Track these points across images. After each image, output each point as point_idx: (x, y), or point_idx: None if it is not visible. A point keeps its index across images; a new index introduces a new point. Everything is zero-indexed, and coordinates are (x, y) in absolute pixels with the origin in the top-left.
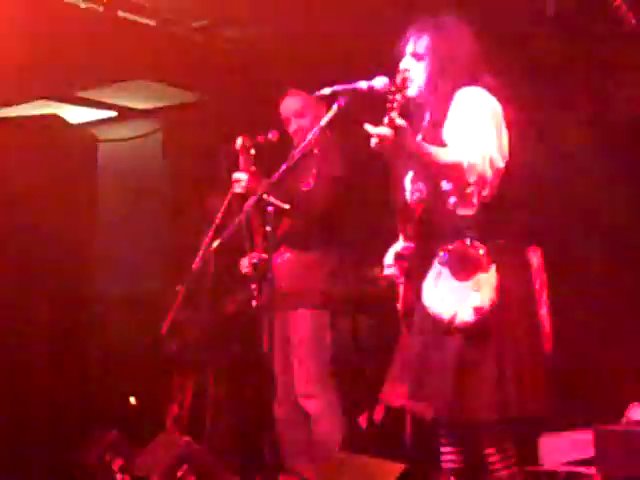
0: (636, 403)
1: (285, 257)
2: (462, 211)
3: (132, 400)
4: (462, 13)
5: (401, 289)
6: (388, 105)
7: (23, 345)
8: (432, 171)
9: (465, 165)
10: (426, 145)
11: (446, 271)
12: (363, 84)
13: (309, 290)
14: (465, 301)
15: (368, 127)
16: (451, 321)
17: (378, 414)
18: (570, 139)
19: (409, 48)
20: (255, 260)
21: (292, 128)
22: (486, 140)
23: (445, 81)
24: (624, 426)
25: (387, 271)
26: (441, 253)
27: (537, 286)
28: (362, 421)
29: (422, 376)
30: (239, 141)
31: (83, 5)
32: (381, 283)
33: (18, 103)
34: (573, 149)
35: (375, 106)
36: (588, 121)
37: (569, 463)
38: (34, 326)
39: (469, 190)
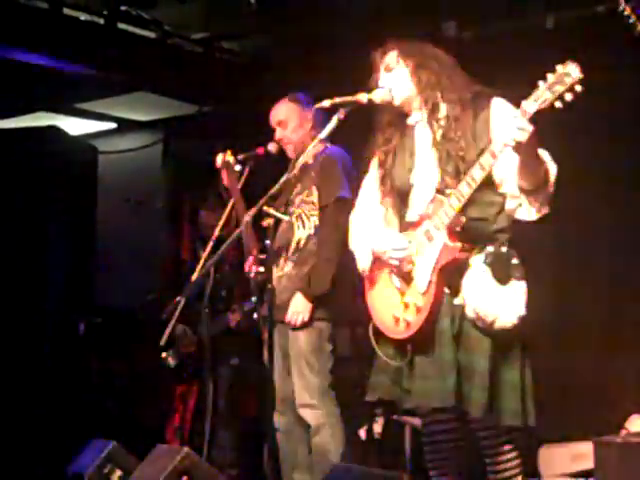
0: (636, 414)
1: (285, 269)
2: (522, 215)
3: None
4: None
5: (430, 284)
6: (527, 110)
7: (24, 356)
8: (533, 166)
9: (551, 170)
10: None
11: (489, 272)
12: (363, 96)
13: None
14: (507, 306)
15: (510, 121)
16: (492, 323)
17: (378, 426)
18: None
19: (381, 66)
20: (253, 273)
21: (276, 137)
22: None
23: (427, 72)
24: (624, 438)
25: (400, 254)
26: (486, 254)
27: None
28: (363, 433)
29: (459, 381)
30: (220, 158)
31: (83, 17)
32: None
33: (18, 115)
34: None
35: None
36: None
37: (568, 475)
38: (35, 334)
39: (548, 192)
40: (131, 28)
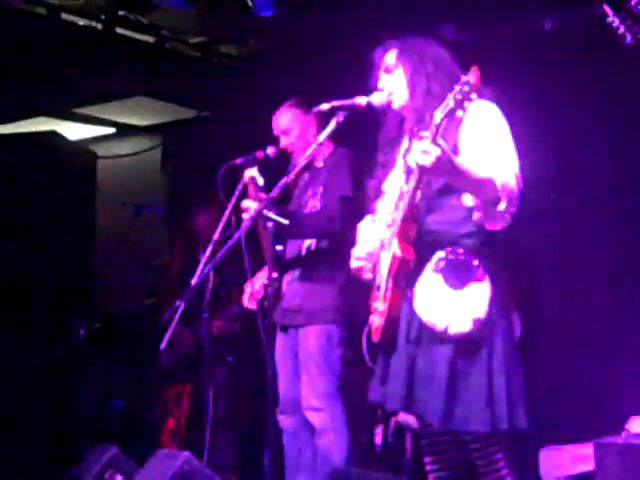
0: (636, 416)
1: (295, 274)
2: (491, 227)
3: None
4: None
5: (387, 295)
6: (432, 125)
7: (24, 361)
8: (463, 187)
9: (497, 182)
10: (461, 161)
11: (440, 279)
12: (362, 99)
13: (320, 306)
14: (460, 310)
15: (416, 143)
16: (445, 330)
17: (379, 433)
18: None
19: (381, 66)
20: (267, 281)
21: (282, 145)
22: (512, 158)
23: (423, 80)
24: (625, 439)
25: (356, 263)
26: (436, 260)
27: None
28: (377, 437)
29: (411, 386)
30: (247, 174)
31: (81, 22)
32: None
33: (17, 119)
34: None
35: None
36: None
37: (570, 477)
38: (34, 339)
39: (501, 207)
40: (129, 33)
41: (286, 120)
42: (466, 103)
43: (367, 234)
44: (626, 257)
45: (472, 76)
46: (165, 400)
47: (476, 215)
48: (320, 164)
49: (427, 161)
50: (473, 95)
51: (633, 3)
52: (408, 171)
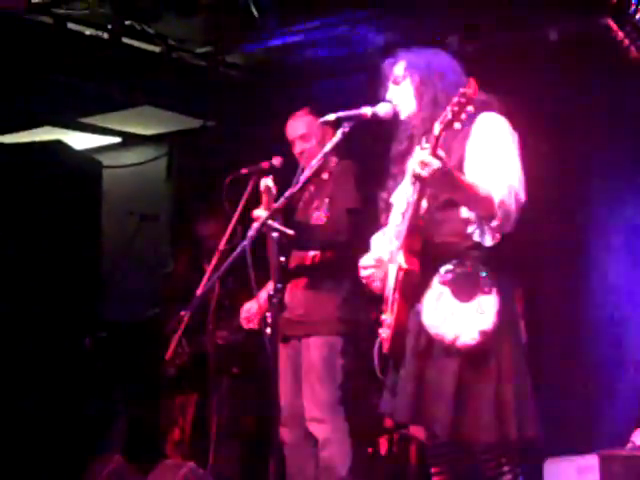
0: None
1: (298, 285)
2: (482, 241)
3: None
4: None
5: (395, 308)
6: (432, 137)
7: (30, 371)
8: (461, 200)
9: (496, 200)
10: (462, 175)
11: (447, 291)
12: (367, 110)
13: (323, 317)
14: (468, 323)
15: (418, 153)
16: (453, 342)
17: (383, 443)
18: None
19: (389, 77)
20: (272, 292)
21: (297, 150)
22: (513, 173)
23: (430, 91)
24: (629, 451)
25: (365, 272)
26: (442, 273)
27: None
28: (382, 447)
29: (419, 398)
30: (263, 183)
31: (88, 32)
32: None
33: (23, 129)
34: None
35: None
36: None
37: None
38: (40, 349)
39: (493, 224)
40: (135, 42)
41: (305, 125)
42: (463, 115)
43: (378, 246)
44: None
45: (469, 88)
46: (170, 410)
47: (470, 228)
48: (325, 176)
49: (425, 172)
50: (470, 107)
51: (638, 17)
52: (413, 183)
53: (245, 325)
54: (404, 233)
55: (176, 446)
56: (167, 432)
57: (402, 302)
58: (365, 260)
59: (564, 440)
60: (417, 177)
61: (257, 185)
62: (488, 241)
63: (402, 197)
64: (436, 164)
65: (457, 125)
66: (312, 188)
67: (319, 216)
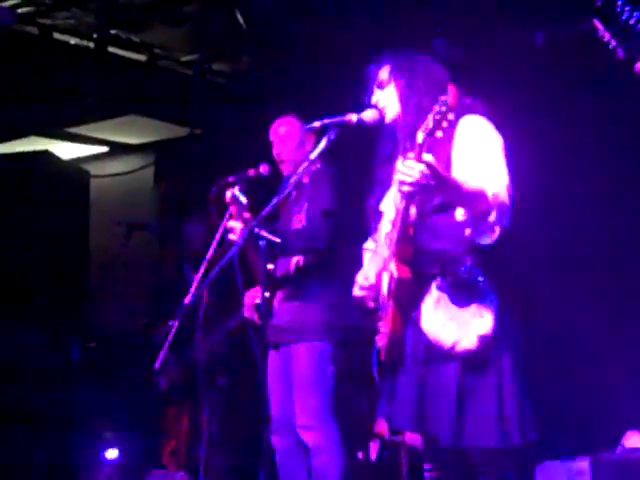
0: (633, 431)
1: (285, 291)
2: (480, 241)
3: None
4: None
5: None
6: (417, 142)
7: (18, 381)
8: (455, 200)
9: (489, 193)
10: (451, 175)
11: (445, 297)
12: (353, 117)
13: (311, 323)
14: (466, 328)
15: (400, 165)
16: (452, 348)
17: (374, 449)
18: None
19: (374, 81)
20: (258, 301)
21: (274, 151)
22: (502, 170)
23: (414, 95)
24: (620, 454)
25: (359, 293)
26: (440, 279)
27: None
28: (372, 453)
29: (420, 406)
30: (229, 194)
31: (73, 41)
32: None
33: (10, 139)
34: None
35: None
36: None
37: None
38: (28, 360)
39: (491, 218)
40: (121, 51)
41: (286, 128)
42: (445, 124)
43: (370, 256)
44: (624, 273)
45: (449, 96)
46: (164, 420)
47: (467, 231)
48: (306, 180)
49: (411, 178)
50: (451, 115)
51: (625, 17)
52: (401, 192)
53: (247, 314)
54: (395, 241)
55: (172, 456)
56: (162, 442)
57: (397, 310)
58: (361, 280)
59: (556, 443)
60: (404, 184)
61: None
62: (486, 239)
63: (390, 204)
64: (422, 167)
65: (439, 134)
66: (294, 193)
67: (299, 221)
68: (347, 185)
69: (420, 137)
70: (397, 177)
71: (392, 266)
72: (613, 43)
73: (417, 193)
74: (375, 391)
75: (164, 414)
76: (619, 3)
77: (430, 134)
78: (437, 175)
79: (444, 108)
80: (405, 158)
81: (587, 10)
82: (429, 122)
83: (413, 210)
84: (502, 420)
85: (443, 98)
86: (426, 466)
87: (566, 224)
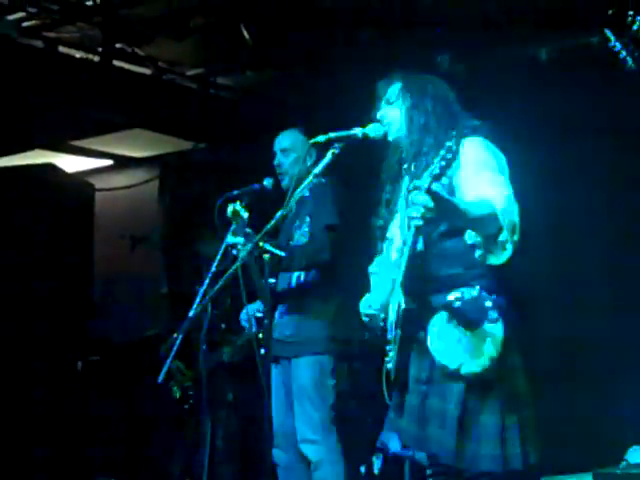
0: (635, 446)
1: (286, 305)
2: (492, 261)
3: None
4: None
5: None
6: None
7: (23, 395)
8: (465, 224)
9: (498, 212)
10: (458, 201)
11: (453, 320)
12: (358, 131)
13: (312, 337)
14: (472, 351)
15: (413, 197)
16: (457, 370)
17: (378, 460)
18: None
19: (382, 97)
20: (259, 314)
21: (275, 162)
22: (507, 187)
23: (421, 115)
24: (623, 469)
25: (365, 318)
26: (448, 302)
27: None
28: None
29: (423, 424)
30: (230, 208)
31: (78, 55)
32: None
33: (15, 152)
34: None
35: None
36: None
37: None
38: (33, 372)
39: (502, 237)
40: (126, 65)
41: (289, 140)
42: (449, 171)
43: (378, 279)
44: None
45: (454, 142)
46: (173, 431)
47: (478, 253)
48: (307, 193)
49: (420, 213)
50: (456, 162)
51: (635, 28)
52: (410, 224)
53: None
54: (403, 269)
55: (181, 469)
56: (171, 453)
57: (404, 337)
58: (363, 305)
59: (559, 459)
60: (415, 219)
61: (249, 207)
62: (499, 259)
63: (397, 231)
64: (430, 202)
65: (445, 180)
66: (294, 207)
67: (301, 235)
68: (349, 200)
69: (426, 182)
70: (407, 212)
71: (400, 296)
72: (623, 53)
73: (427, 224)
74: (378, 405)
75: (174, 425)
76: (630, 14)
77: (436, 179)
78: (447, 206)
79: (450, 155)
80: (413, 187)
81: (598, 18)
82: (435, 168)
83: (420, 242)
84: (504, 444)
85: (449, 143)
86: (428, 471)
87: (568, 239)
